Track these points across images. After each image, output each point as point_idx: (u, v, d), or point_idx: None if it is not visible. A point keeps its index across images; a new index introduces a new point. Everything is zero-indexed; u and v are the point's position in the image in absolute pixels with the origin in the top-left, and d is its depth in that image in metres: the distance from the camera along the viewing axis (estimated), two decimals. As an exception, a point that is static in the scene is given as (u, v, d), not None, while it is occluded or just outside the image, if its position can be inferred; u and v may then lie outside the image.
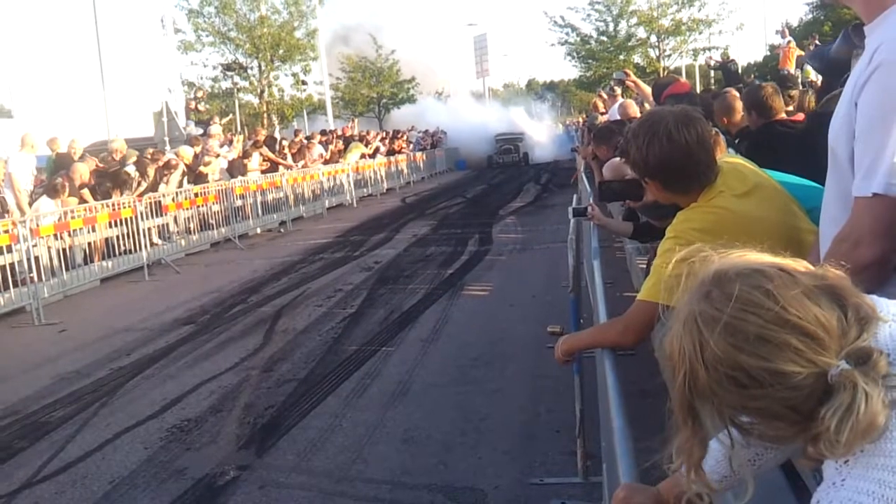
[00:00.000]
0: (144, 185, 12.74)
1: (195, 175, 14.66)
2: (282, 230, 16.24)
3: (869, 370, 1.01)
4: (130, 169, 12.72)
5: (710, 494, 1.27)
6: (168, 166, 13.58)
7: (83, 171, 11.51)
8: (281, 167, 17.77)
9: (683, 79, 8.54)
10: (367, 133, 25.75)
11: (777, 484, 2.81)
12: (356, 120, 29.24)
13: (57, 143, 12.75)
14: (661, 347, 1.17)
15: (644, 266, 5.46)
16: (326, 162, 20.65)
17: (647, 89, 8.39)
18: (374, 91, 35.41)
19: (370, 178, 23.33)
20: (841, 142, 1.75)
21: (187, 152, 14.46)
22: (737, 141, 5.19)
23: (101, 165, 12.48)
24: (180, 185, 13.80)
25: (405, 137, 28.87)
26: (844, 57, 3.45)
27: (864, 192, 1.61)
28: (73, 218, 10.70)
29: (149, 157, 13.46)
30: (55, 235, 10.36)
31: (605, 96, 12.68)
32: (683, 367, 1.08)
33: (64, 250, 10.48)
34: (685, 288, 1.13)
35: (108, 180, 12.26)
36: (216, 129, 16.45)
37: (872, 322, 1.05)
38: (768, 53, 30.79)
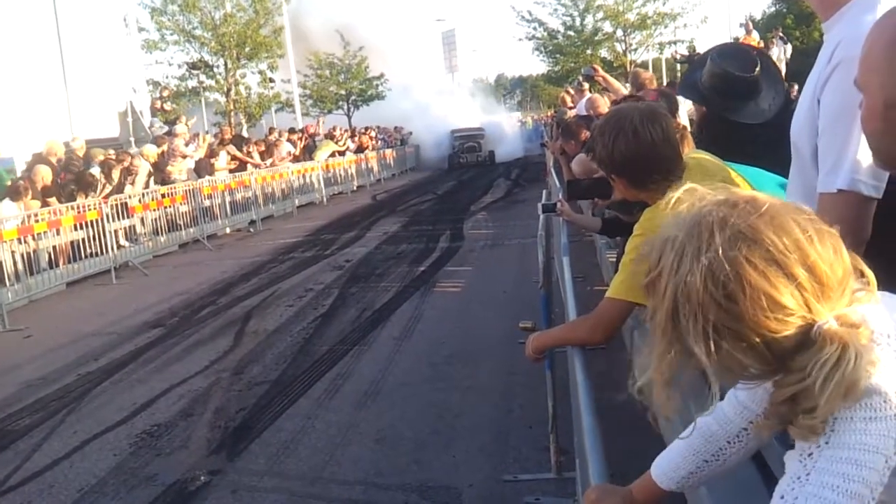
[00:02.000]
0: (110, 187, 12.54)
1: (162, 175, 14.47)
2: (251, 230, 16.10)
3: (854, 336, 1.00)
4: (95, 170, 12.53)
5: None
6: (133, 167, 13.39)
7: (45, 174, 11.30)
8: (249, 166, 17.61)
9: (649, 72, 8.58)
10: (334, 129, 25.58)
11: (750, 478, 2.83)
12: (322, 119, 29.03)
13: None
14: (649, 249, 1.11)
15: (613, 260, 5.49)
16: (295, 159, 20.51)
17: (616, 84, 8.41)
18: (342, 88, 35.22)
19: (341, 175, 23.22)
20: (804, 138, 1.77)
21: (151, 151, 14.27)
22: (701, 132, 5.21)
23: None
24: (147, 185, 13.62)
25: (371, 133, 28.74)
26: (715, 81, 3.47)
27: (829, 188, 1.63)
28: (36, 221, 10.51)
29: (113, 157, 13.25)
30: (19, 239, 10.17)
31: (572, 91, 12.71)
32: (678, 270, 1.04)
33: (28, 254, 10.30)
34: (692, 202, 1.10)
35: (73, 182, 12.06)
36: (181, 128, 16.23)
37: (869, 293, 1.06)
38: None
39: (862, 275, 1.07)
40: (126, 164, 13.23)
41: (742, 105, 3.48)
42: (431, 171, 30.06)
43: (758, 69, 3.41)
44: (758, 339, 1.01)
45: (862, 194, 1.60)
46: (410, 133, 33.94)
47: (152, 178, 14.03)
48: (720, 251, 1.01)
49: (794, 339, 1.01)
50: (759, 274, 1.00)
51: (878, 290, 1.09)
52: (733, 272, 1.00)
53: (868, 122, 1.35)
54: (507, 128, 38.69)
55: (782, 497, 1.03)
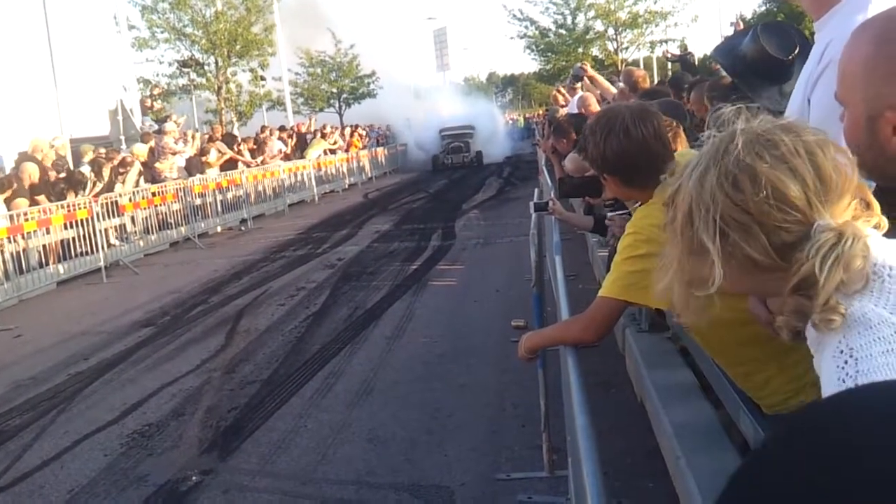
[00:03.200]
0: (100, 185, 12.49)
1: (151, 173, 14.42)
2: (242, 228, 16.05)
3: (852, 226, 1.06)
4: (85, 169, 12.46)
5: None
6: (123, 165, 13.33)
7: (32, 171, 11.22)
8: (241, 164, 17.56)
9: (642, 70, 8.59)
10: (324, 127, 25.54)
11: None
12: (314, 117, 28.99)
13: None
14: (671, 176, 1.23)
15: (606, 258, 5.50)
16: (286, 158, 20.46)
17: (606, 83, 8.42)
18: (334, 86, 35.16)
19: (332, 174, 23.18)
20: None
21: (141, 150, 14.20)
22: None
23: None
24: (137, 183, 13.56)
25: (362, 132, 28.65)
26: (752, 55, 3.46)
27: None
28: (26, 220, 10.45)
29: (103, 155, 13.19)
30: (8, 238, 10.12)
31: (563, 90, 12.72)
32: (696, 172, 1.13)
33: (18, 253, 10.24)
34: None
35: (63, 181, 11.99)
36: (171, 125, 16.17)
37: (872, 218, 1.12)
38: (717, 46, 31.16)
39: (868, 206, 1.13)
40: (116, 161, 13.16)
41: (767, 86, 3.45)
42: (417, 172, 28.40)
43: (794, 54, 3.36)
44: (761, 231, 1.08)
45: None
46: (388, 127, 32.48)
47: (142, 177, 13.97)
48: (734, 147, 1.10)
49: (795, 234, 1.08)
50: (766, 165, 1.08)
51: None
52: (744, 163, 1.08)
53: (851, 135, 1.37)
54: (499, 125, 36.26)
55: (841, 379, 1.01)
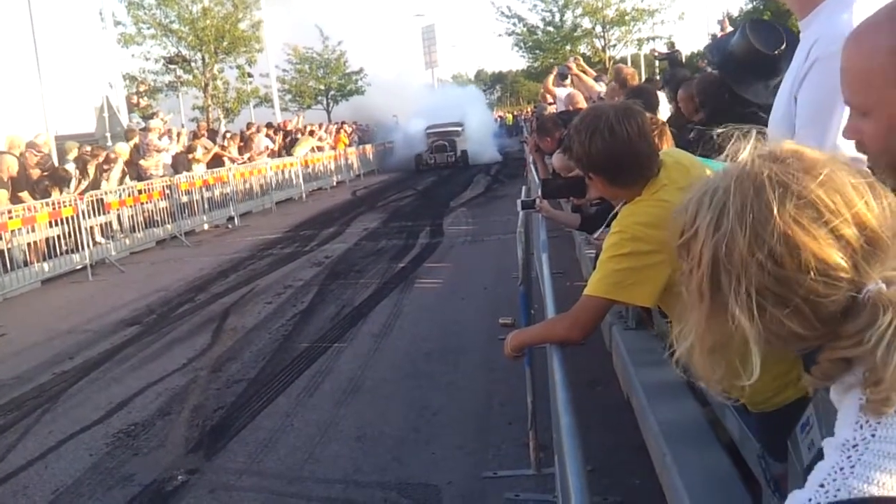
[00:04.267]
0: (85, 182, 12.39)
1: (136, 170, 14.33)
2: (229, 226, 15.99)
3: None
4: (70, 166, 12.37)
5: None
6: (108, 161, 13.23)
7: (10, 164, 11.09)
8: (227, 161, 17.48)
9: (631, 68, 8.61)
10: (308, 126, 25.47)
11: (728, 476, 2.85)
12: (301, 114, 28.89)
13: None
14: (683, 208, 1.06)
15: (593, 256, 5.51)
16: (273, 155, 20.39)
17: (591, 82, 8.43)
18: (321, 83, 35.05)
19: (320, 171, 23.12)
20: (781, 134, 1.77)
21: (124, 148, 14.06)
22: (691, 133, 5.21)
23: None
24: (121, 181, 13.46)
25: (348, 129, 28.55)
26: (741, 52, 3.48)
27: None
28: (10, 218, 10.36)
29: (88, 152, 13.09)
30: (-8, 236, 10.03)
31: (551, 84, 12.73)
32: (718, 228, 0.99)
33: (2, 251, 10.16)
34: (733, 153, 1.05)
35: (47, 178, 11.89)
36: (156, 122, 16.07)
37: None
38: (710, 43, 31.30)
39: None
40: (101, 158, 13.06)
41: (753, 81, 3.46)
42: (399, 172, 27.33)
43: (781, 49, 3.37)
44: (803, 303, 0.97)
45: None
46: (367, 126, 31.54)
47: (127, 175, 13.87)
48: (765, 209, 0.97)
49: (842, 303, 0.97)
50: (806, 234, 0.95)
51: None
52: (780, 232, 0.96)
53: (877, 143, 1.26)
54: (485, 124, 34.05)
55: (822, 486, 0.97)
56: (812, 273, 0.95)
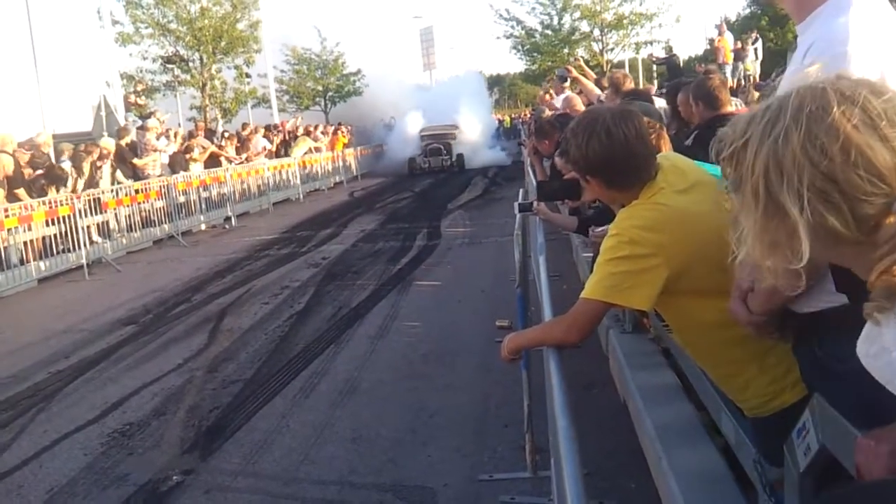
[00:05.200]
0: (82, 181, 12.37)
1: (132, 169, 14.30)
2: (226, 226, 15.98)
3: None
4: (66, 164, 12.34)
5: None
6: (102, 158, 13.18)
7: (7, 163, 11.06)
8: (224, 161, 17.47)
9: (626, 72, 8.61)
10: (306, 126, 25.42)
11: (722, 477, 2.85)
12: (299, 115, 28.81)
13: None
14: (730, 127, 1.14)
15: (590, 258, 5.51)
16: (271, 155, 20.38)
17: (590, 85, 8.44)
18: (319, 84, 35.00)
19: (318, 172, 23.11)
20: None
21: (109, 143, 13.98)
22: (689, 137, 5.20)
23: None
24: (113, 179, 13.39)
25: (345, 129, 28.45)
26: None
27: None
28: (7, 217, 10.34)
29: (83, 150, 13.04)
30: (-12, 235, 10.01)
31: (552, 93, 12.76)
32: (771, 132, 1.07)
33: (-2, 250, 10.14)
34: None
35: (43, 177, 11.86)
36: (153, 122, 16.04)
37: None
38: (708, 47, 31.42)
39: None
40: (95, 156, 12.99)
41: None
42: (391, 176, 26.20)
43: None
44: (845, 201, 1.03)
45: None
46: (353, 128, 30.56)
47: (119, 172, 13.81)
48: (822, 109, 1.03)
49: (879, 207, 1.03)
50: (859, 135, 1.02)
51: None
52: (834, 129, 1.02)
53: None
54: (481, 127, 31.95)
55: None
56: (860, 170, 1.02)
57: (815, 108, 1.04)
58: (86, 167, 12.60)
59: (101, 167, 13.16)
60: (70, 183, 12.17)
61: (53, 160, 12.71)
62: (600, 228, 3.79)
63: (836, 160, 1.02)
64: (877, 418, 1.42)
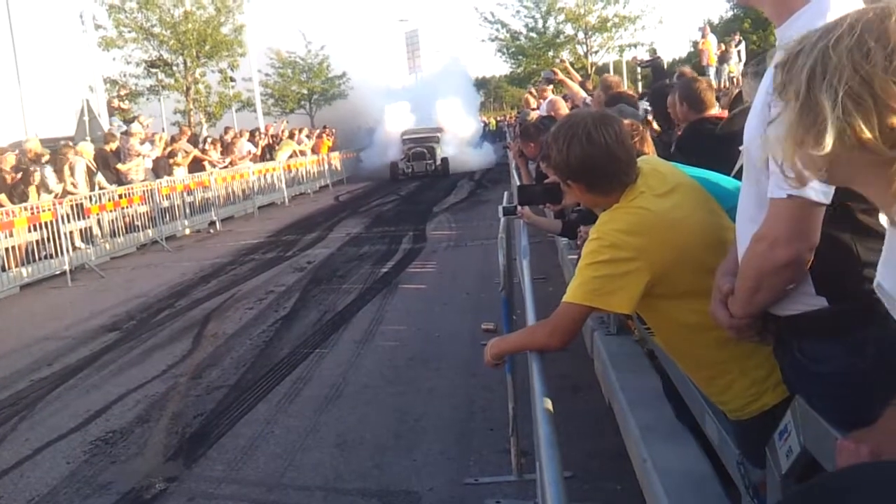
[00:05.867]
0: (61, 186, 12.26)
1: (116, 174, 14.20)
2: (211, 231, 15.90)
3: None
4: (48, 170, 12.23)
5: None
6: (70, 161, 13.02)
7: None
8: (209, 166, 17.38)
9: (615, 76, 8.64)
10: (291, 130, 25.34)
11: (706, 478, 2.86)
12: (285, 119, 28.69)
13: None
14: (791, 42, 1.17)
15: (575, 260, 5.51)
16: (256, 159, 20.30)
17: (576, 87, 8.46)
18: (304, 87, 34.91)
19: (303, 175, 23.05)
20: (756, 143, 1.78)
21: (87, 148, 13.87)
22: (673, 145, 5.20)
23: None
24: (91, 184, 13.26)
25: (330, 134, 28.38)
26: None
27: (779, 193, 1.64)
28: (-13, 223, 10.25)
29: (61, 153, 12.91)
30: (-31, 242, 9.91)
31: (535, 92, 12.79)
32: (829, 33, 1.10)
33: (-21, 257, 10.04)
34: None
35: (21, 181, 11.74)
36: (136, 127, 15.95)
37: None
38: (692, 49, 31.61)
39: None
40: (70, 159, 12.86)
41: None
42: (373, 181, 25.66)
43: None
44: (874, 107, 1.05)
45: (811, 200, 1.61)
46: (334, 131, 29.93)
47: (102, 177, 13.69)
48: (879, 21, 1.07)
49: None
50: None
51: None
52: (884, 36, 1.06)
53: None
54: (467, 130, 31.45)
55: None
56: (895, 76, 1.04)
57: (873, 16, 1.09)
58: (66, 171, 12.49)
59: (73, 172, 13.00)
60: (57, 187, 12.05)
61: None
62: (586, 227, 3.80)
63: (877, 66, 1.05)
64: (857, 419, 1.43)
